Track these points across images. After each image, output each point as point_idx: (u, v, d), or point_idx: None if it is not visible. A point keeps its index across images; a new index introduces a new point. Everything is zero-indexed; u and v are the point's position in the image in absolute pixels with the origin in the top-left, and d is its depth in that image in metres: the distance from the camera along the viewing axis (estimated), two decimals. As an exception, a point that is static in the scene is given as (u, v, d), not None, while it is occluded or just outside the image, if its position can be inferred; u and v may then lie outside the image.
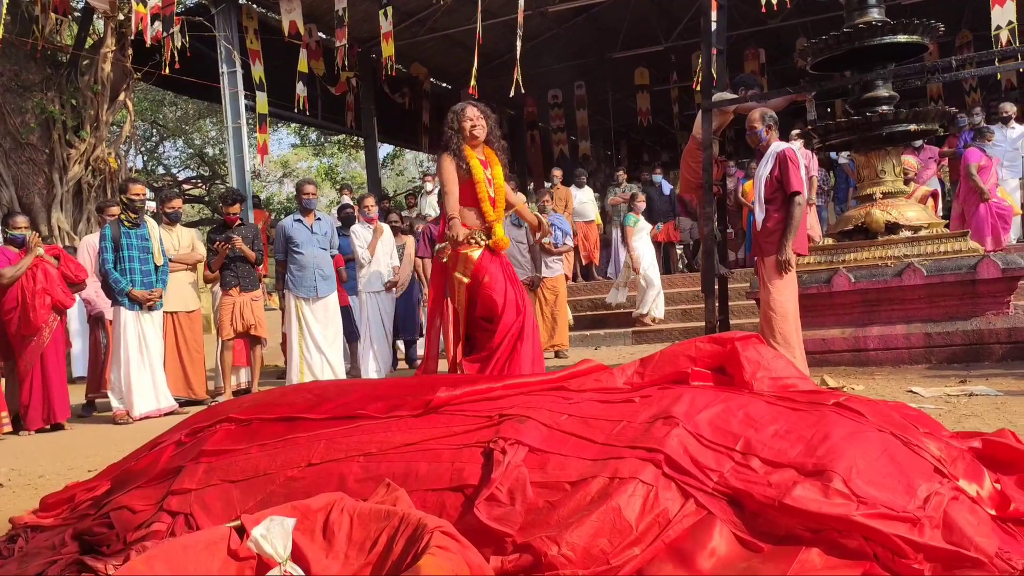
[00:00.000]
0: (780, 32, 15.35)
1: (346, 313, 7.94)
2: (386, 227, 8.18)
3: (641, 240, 9.78)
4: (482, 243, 4.61)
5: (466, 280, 4.58)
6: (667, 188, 12.67)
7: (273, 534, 1.97)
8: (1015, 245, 8.96)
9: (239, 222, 7.34)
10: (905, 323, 6.21)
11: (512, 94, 10.82)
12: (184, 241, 7.29)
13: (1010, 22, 9.57)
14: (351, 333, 8.01)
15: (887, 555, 2.03)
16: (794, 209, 5.40)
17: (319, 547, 2.15)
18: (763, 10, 10.53)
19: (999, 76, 13.55)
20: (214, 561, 2.12)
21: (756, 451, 2.26)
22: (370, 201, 8.12)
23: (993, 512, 2.27)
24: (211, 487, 2.61)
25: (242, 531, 2.15)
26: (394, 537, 2.09)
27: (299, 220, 7.26)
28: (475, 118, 4.69)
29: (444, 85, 18.23)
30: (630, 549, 2.08)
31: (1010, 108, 10.02)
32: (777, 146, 5.61)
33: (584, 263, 12.57)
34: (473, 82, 11.32)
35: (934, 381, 5.42)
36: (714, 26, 7.15)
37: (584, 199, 12.53)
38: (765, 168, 5.55)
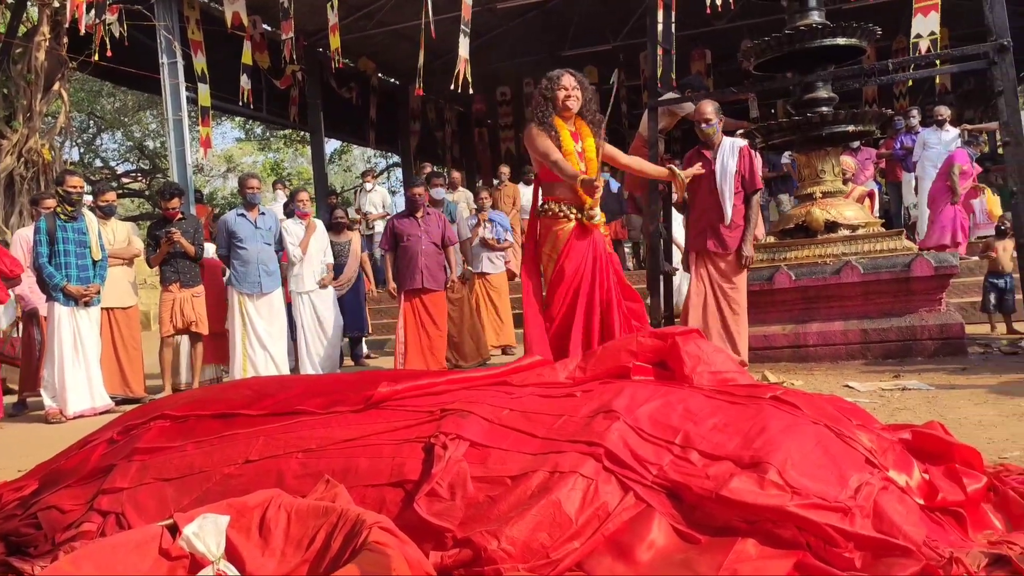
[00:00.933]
0: (726, 33, 15.56)
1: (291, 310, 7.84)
2: (319, 223, 8.02)
3: None
4: (572, 217, 4.40)
5: (554, 257, 4.42)
6: (615, 186, 12.75)
7: (206, 532, 1.93)
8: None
9: (180, 216, 7.19)
10: (843, 319, 6.35)
11: (457, 88, 10.77)
12: (119, 235, 7.11)
13: (932, 32, 9.86)
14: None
15: (819, 544, 2.07)
16: (756, 206, 5.57)
17: (255, 545, 2.12)
18: (708, 11, 10.66)
19: (934, 79, 13.92)
20: (144, 561, 2.07)
21: (695, 444, 2.28)
22: (304, 196, 7.97)
23: (921, 501, 2.33)
24: (144, 486, 2.55)
25: (175, 530, 2.11)
26: (332, 534, 2.07)
27: (243, 215, 7.14)
28: (570, 88, 4.40)
29: (393, 80, 18.10)
30: (570, 543, 2.09)
31: (944, 111, 10.31)
32: (734, 141, 5.72)
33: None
34: (419, 79, 11.27)
35: (870, 376, 5.55)
36: (661, 25, 7.23)
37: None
38: (731, 162, 5.62)
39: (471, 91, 11.08)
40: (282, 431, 2.56)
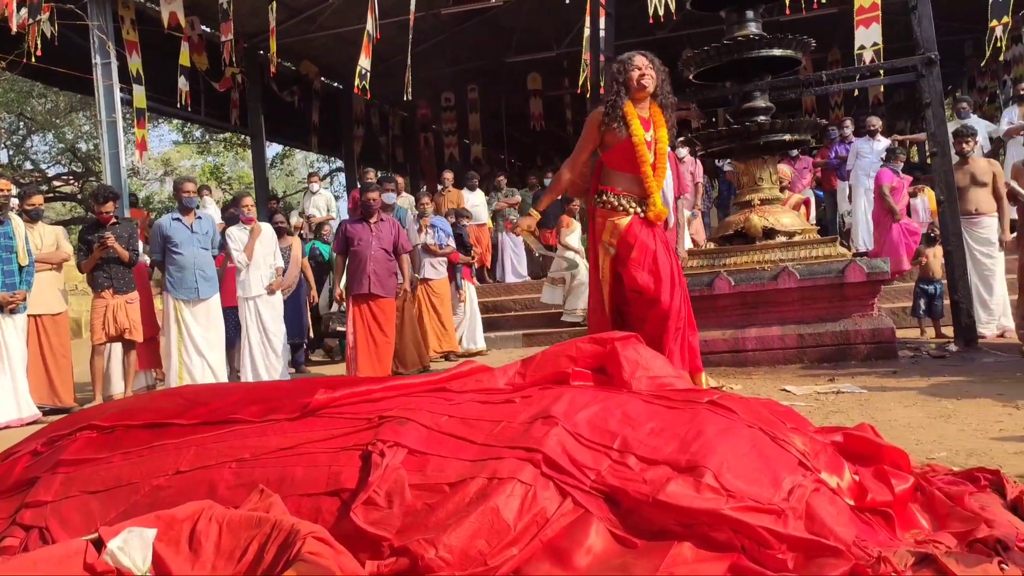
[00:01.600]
0: (667, 43, 15.78)
1: (234, 314, 7.71)
2: (266, 226, 7.88)
3: (574, 238, 9.76)
4: (631, 210, 4.29)
5: (611, 251, 4.30)
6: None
7: (131, 546, 1.87)
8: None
9: (114, 221, 7.00)
10: (780, 324, 6.48)
11: (407, 97, 10.73)
12: (47, 240, 6.90)
13: (875, 43, 10.16)
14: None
15: (753, 546, 2.10)
16: (681, 209, 5.67)
17: (184, 559, 2.06)
18: (651, 21, 10.80)
19: (867, 91, 14.34)
20: (69, 576, 2.00)
21: (633, 449, 2.30)
22: (248, 201, 7.82)
23: (852, 502, 2.38)
24: (69, 499, 2.47)
25: (100, 544, 2.04)
26: (265, 545, 2.03)
27: (178, 219, 6.98)
28: (643, 67, 4.26)
29: (335, 84, 17.92)
30: (508, 549, 2.08)
31: (876, 122, 10.62)
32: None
33: (476, 266, 12.58)
34: (357, 81, 11.17)
35: (806, 380, 5.67)
36: (603, 33, 7.30)
37: (476, 202, 12.55)
38: (670, 169, 5.71)
39: (408, 97, 11.04)
40: (215, 440, 2.49)
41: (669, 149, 5.79)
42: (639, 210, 4.33)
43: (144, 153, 12.50)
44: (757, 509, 2.14)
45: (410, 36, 11.18)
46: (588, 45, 6.61)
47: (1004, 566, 2.15)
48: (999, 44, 10.20)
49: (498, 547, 2.07)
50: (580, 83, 11.49)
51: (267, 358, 7.60)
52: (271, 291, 7.65)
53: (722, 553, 2.09)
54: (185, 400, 2.81)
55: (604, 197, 4.42)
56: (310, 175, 14.14)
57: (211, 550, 2.06)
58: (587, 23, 6.88)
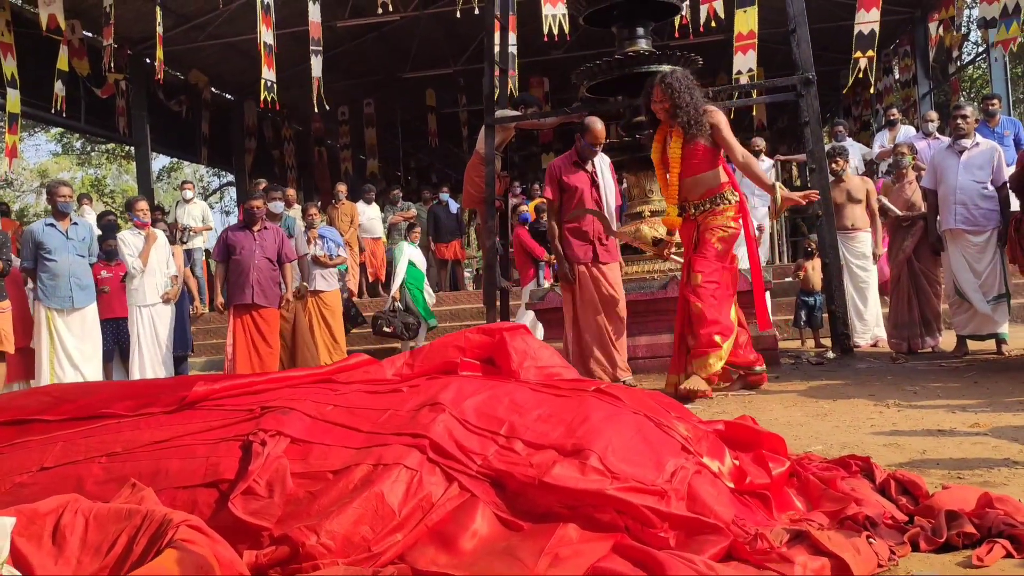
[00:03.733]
0: (563, 62, 16.10)
1: (124, 325, 7.39)
2: (160, 233, 7.59)
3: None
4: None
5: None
6: (454, 207, 12.85)
7: (-14, 536, 1.75)
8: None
9: (-18, 230, 6.61)
10: (670, 332, 6.61)
11: (315, 108, 10.59)
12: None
13: (750, 69, 10.69)
14: (126, 349, 7.43)
15: (637, 526, 2.13)
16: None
17: (47, 554, 1.94)
18: (545, 39, 11.00)
19: (753, 113, 14.97)
20: (-85, 576, 1.85)
21: (520, 434, 2.30)
22: (143, 205, 7.52)
23: (732, 485, 2.45)
24: (-80, 500, 2.29)
25: (-49, 541, 1.90)
26: (135, 536, 1.93)
27: (52, 224, 6.64)
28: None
29: (226, 95, 17.49)
30: (393, 535, 2.05)
31: (760, 143, 11.07)
32: (603, 157, 5.94)
33: (371, 279, 12.45)
34: (264, 94, 10.97)
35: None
36: (498, 47, 7.39)
37: (372, 215, 12.42)
38: (609, 174, 5.96)
39: (316, 109, 10.89)
40: (83, 435, 2.37)
41: (609, 159, 6.02)
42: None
43: (14, 160, 11.87)
44: (641, 490, 2.17)
45: (310, 47, 11.03)
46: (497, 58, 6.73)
47: (872, 540, 2.26)
48: (860, 75, 10.87)
49: (383, 532, 2.04)
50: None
51: (157, 371, 7.29)
52: (167, 300, 7.36)
53: (607, 533, 2.11)
54: (51, 397, 2.66)
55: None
56: (183, 183, 13.63)
57: (76, 544, 1.95)
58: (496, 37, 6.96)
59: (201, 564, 1.74)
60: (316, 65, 11.19)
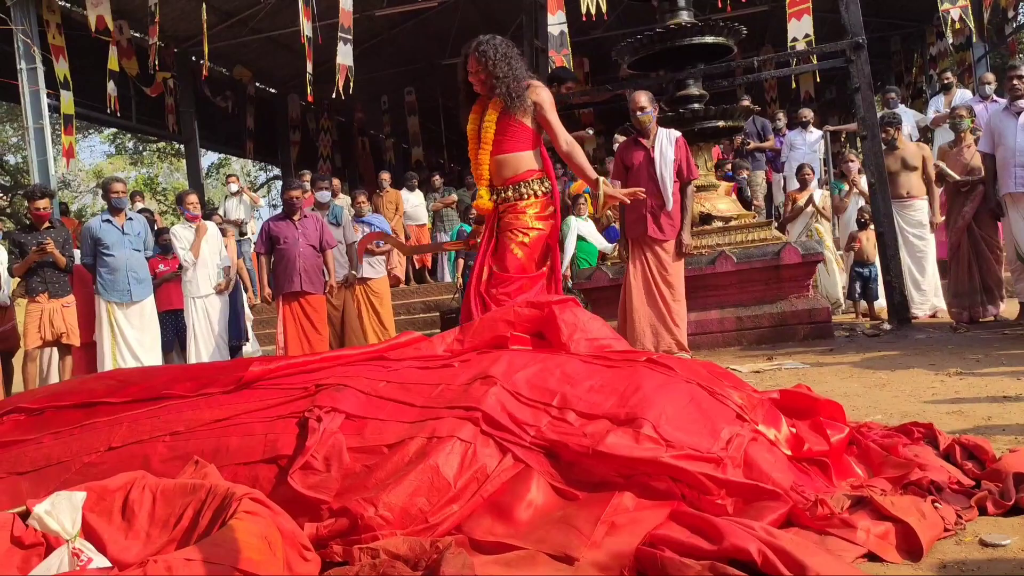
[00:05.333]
0: (602, 42, 15.95)
1: (182, 317, 7.55)
2: (211, 224, 7.72)
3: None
4: None
5: None
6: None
7: (59, 509, 1.81)
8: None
9: (48, 223, 6.76)
10: (719, 308, 6.57)
11: (340, 96, 10.63)
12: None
13: (807, 35, 10.39)
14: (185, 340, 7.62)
15: (693, 494, 2.12)
16: (691, 194, 5.73)
17: (117, 528, 2.01)
18: (584, 18, 10.88)
19: (794, 84, 14.64)
20: (-7, 551, 1.92)
21: (572, 405, 2.30)
22: (192, 199, 7.65)
23: (789, 452, 2.42)
24: (-5, 481, 2.38)
25: (28, 517, 1.97)
26: (200, 510, 1.98)
27: (108, 220, 6.79)
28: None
29: (270, 90, 17.68)
30: (449, 506, 2.07)
31: (808, 114, 10.85)
32: (670, 131, 5.76)
33: (417, 267, 12.52)
34: (309, 88, 11.07)
35: (745, 361, 5.76)
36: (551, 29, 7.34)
37: (416, 202, 12.48)
38: (670, 151, 5.64)
39: (342, 97, 10.93)
40: (148, 416, 2.43)
41: (679, 133, 5.74)
42: None
43: (71, 160, 12.17)
44: (696, 457, 2.16)
45: (339, 35, 11.07)
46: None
47: (937, 505, 2.21)
48: (957, 26, 10.43)
49: (439, 504, 2.06)
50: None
51: (213, 360, 7.44)
52: (220, 290, 7.50)
53: (663, 501, 2.10)
54: (116, 381, 2.74)
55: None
56: (228, 176, 13.80)
57: (145, 519, 2.01)
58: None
59: (265, 534, 1.78)
60: (344, 53, 11.21)
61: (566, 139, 3.98)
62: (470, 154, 4.10)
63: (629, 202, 4.11)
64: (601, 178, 4.00)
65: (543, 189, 3.97)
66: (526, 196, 3.92)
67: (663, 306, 5.67)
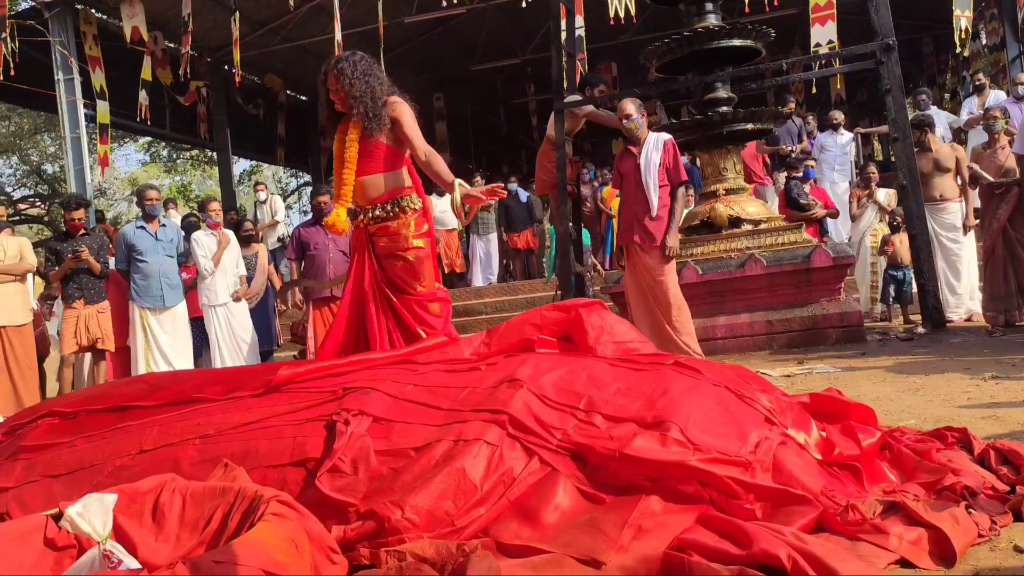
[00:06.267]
0: (630, 46, 15.92)
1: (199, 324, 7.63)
2: (231, 234, 7.80)
3: None
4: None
5: None
6: (524, 196, 12.86)
7: (91, 511, 1.83)
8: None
9: (83, 231, 6.87)
10: (749, 312, 6.52)
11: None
12: (10, 251, 6.76)
13: (830, 41, 10.33)
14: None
15: (721, 498, 2.10)
16: (681, 198, 5.64)
17: (148, 531, 2.03)
18: (612, 22, 10.88)
19: (815, 88, 14.52)
20: (28, 553, 1.96)
21: (599, 408, 2.30)
22: (215, 206, 7.73)
23: (819, 456, 2.39)
24: (31, 484, 2.42)
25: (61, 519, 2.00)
26: (229, 513, 2.00)
27: (142, 227, 6.90)
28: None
29: (301, 97, 17.87)
30: (475, 509, 2.07)
31: (839, 116, 10.73)
32: (659, 135, 5.73)
33: (446, 271, 12.56)
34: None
35: (776, 365, 5.70)
36: (564, 32, 7.36)
37: (444, 207, 12.52)
38: (655, 155, 5.59)
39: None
40: (178, 419, 2.46)
41: (668, 136, 5.73)
42: None
43: (106, 168, 12.37)
44: (724, 461, 2.14)
45: (381, 46, 11.19)
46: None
47: (971, 511, 2.17)
48: (963, 35, 10.37)
49: (465, 507, 2.06)
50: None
51: (240, 364, 7.50)
52: (236, 299, 7.56)
53: (690, 505, 2.09)
54: (148, 385, 2.78)
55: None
56: (256, 184, 13.95)
57: (175, 521, 2.03)
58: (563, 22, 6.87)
59: (292, 536, 1.79)
60: (383, 60, 11.31)
61: (424, 149, 3.83)
62: (334, 174, 3.94)
63: (486, 199, 3.86)
64: (457, 180, 3.76)
65: (412, 205, 3.86)
66: (396, 217, 3.80)
67: (659, 312, 5.62)
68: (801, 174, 8.82)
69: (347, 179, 3.81)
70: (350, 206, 3.81)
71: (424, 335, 3.47)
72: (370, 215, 3.80)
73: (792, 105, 9.96)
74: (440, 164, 3.86)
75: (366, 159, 3.83)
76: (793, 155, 10.09)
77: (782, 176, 9.97)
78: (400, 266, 3.75)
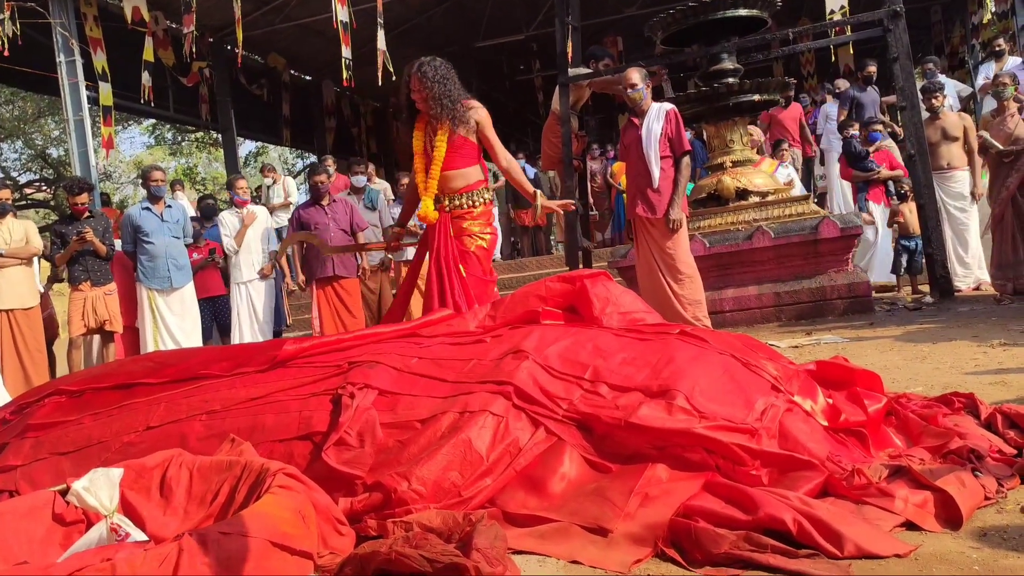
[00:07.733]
0: (636, 20, 15.78)
1: (224, 303, 7.68)
2: (260, 210, 7.80)
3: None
4: None
5: None
6: (531, 172, 12.81)
7: (97, 485, 1.85)
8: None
9: (88, 213, 6.88)
10: (757, 284, 6.49)
11: (378, 82, 10.67)
12: (16, 234, 6.77)
13: (843, 6, 10.18)
14: (224, 326, 7.72)
15: (727, 465, 2.10)
16: (685, 169, 5.50)
17: (155, 505, 2.04)
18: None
19: (839, 61, 14.37)
20: (37, 528, 1.98)
21: (604, 378, 2.29)
22: (242, 183, 7.71)
23: (825, 423, 2.39)
24: (39, 461, 2.44)
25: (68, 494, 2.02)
26: (236, 486, 2.01)
27: (148, 208, 6.90)
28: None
29: (305, 77, 17.78)
30: (482, 480, 2.08)
31: (843, 84, 10.62)
32: (662, 105, 5.59)
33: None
34: (345, 73, 11.13)
35: (784, 336, 5.68)
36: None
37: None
38: (656, 125, 5.48)
39: (380, 83, 10.97)
40: (184, 395, 2.47)
41: (671, 106, 5.66)
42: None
43: (110, 151, 12.35)
44: (730, 428, 2.14)
45: (380, 22, 11.11)
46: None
47: (978, 474, 2.17)
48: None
49: (472, 478, 2.06)
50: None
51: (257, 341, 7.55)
52: (264, 275, 7.59)
53: (696, 472, 2.09)
54: (154, 363, 2.78)
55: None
56: (263, 167, 13.93)
57: (182, 495, 2.04)
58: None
59: (299, 508, 1.80)
60: (380, 39, 11.25)
61: (505, 156, 4.36)
62: (416, 167, 4.37)
63: (562, 212, 4.47)
64: (538, 191, 4.35)
65: (486, 198, 4.35)
66: (478, 204, 4.28)
67: (666, 284, 5.53)
68: (855, 132, 8.51)
69: (434, 173, 4.25)
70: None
71: None
72: (455, 202, 4.25)
73: (872, 68, 9.81)
74: (520, 173, 4.49)
75: (453, 154, 4.26)
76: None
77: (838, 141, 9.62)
78: (468, 247, 4.21)
